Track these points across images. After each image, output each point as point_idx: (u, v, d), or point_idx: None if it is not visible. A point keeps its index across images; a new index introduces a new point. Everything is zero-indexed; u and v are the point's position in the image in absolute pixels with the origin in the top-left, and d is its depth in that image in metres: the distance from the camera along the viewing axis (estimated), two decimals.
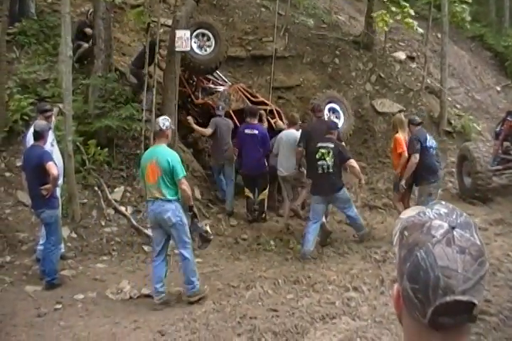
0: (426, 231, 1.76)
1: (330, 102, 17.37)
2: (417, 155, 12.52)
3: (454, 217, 1.80)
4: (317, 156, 12.60)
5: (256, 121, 14.83)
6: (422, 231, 1.77)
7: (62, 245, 11.49)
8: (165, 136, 9.92)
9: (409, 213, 1.90)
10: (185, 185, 9.74)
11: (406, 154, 12.46)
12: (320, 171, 12.65)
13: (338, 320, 9.20)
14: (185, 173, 9.88)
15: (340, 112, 17.13)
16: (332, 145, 12.65)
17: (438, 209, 1.83)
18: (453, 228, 1.74)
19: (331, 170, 12.61)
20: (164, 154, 9.72)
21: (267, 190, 14.64)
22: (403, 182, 12.58)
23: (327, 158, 12.56)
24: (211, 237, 10.67)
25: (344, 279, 11.07)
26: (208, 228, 10.63)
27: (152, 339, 8.54)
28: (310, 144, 13.08)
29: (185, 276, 9.98)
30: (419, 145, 12.61)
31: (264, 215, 14.79)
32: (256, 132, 14.43)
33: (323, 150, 12.59)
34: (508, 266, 11.43)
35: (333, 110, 17.12)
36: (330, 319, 9.22)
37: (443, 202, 1.91)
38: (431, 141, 13.09)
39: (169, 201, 9.65)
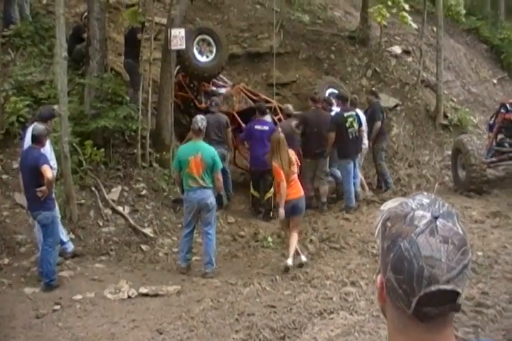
0: (409, 222, 1.76)
1: (330, 87, 17.60)
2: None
3: (437, 207, 1.79)
4: (347, 125, 14.58)
5: (266, 118, 15.09)
6: (405, 221, 1.77)
7: (71, 243, 11.65)
8: (202, 134, 11.65)
9: (390, 205, 1.90)
10: (220, 176, 11.69)
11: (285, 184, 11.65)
12: (350, 137, 14.77)
13: (335, 315, 9.25)
14: (222, 166, 11.83)
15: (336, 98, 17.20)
16: (354, 113, 14.90)
17: (420, 200, 1.83)
18: (436, 218, 1.74)
19: (357, 135, 14.95)
20: (208, 151, 11.42)
21: (272, 189, 14.72)
22: None
23: (354, 125, 14.82)
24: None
25: (341, 274, 11.10)
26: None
27: (151, 338, 8.58)
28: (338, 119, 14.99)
29: (207, 256, 11.41)
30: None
31: (271, 213, 14.77)
32: (266, 128, 14.76)
33: (350, 119, 14.67)
34: (505, 258, 11.46)
35: (333, 95, 17.19)
36: (328, 314, 9.26)
37: (425, 193, 1.89)
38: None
39: (209, 188, 11.39)
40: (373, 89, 18.37)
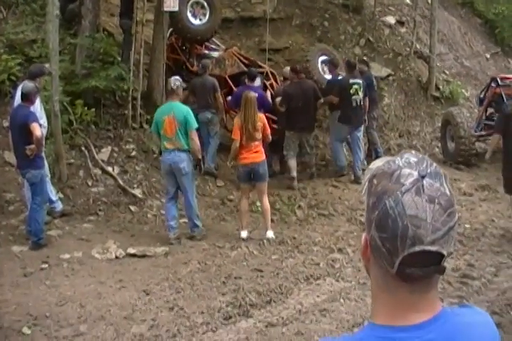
0: (395, 180, 1.72)
1: (322, 54, 17.37)
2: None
3: (424, 166, 1.75)
4: (351, 92, 14.36)
5: (256, 83, 14.76)
6: (391, 179, 1.73)
7: (59, 202, 11.60)
8: (176, 94, 11.41)
9: (378, 163, 1.86)
10: (195, 136, 11.23)
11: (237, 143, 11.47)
12: (354, 104, 14.58)
13: (322, 280, 9.32)
14: (196, 125, 11.37)
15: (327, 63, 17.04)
16: (361, 81, 14.63)
17: (408, 158, 1.78)
18: (423, 177, 1.70)
19: (361, 104, 14.76)
20: (180, 109, 11.16)
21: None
22: None
23: (359, 93, 14.39)
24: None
25: (329, 241, 11.19)
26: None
27: (137, 299, 8.61)
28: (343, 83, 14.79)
29: (190, 221, 11.44)
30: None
31: None
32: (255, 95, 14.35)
33: (356, 86, 14.41)
34: (492, 231, 11.57)
35: (325, 62, 17.06)
36: (314, 280, 9.34)
37: (413, 152, 1.85)
38: None
39: (184, 151, 11.10)
40: (364, 58, 18.24)
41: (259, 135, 11.37)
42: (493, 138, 12.26)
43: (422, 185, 1.70)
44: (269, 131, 11.72)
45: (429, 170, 1.74)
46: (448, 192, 1.73)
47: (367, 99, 14.98)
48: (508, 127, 11.16)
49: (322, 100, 14.82)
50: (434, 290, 1.79)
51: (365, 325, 1.86)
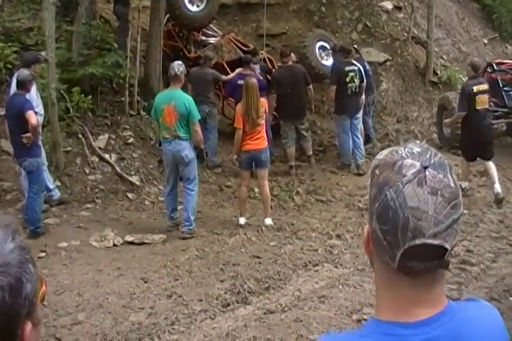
0: (397, 170, 1.68)
1: (320, 40, 17.29)
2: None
3: (428, 156, 1.70)
4: (347, 79, 14.16)
5: (249, 71, 14.59)
6: (393, 169, 1.69)
7: (57, 190, 11.58)
8: (179, 81, 10.86)
9: (385, 153, 1.81)
10: (198, 127, 10.90)
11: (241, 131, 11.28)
12: (349, 92, 14.35)
13: (320, 267, 9.33)
14: (199, 116, 11.00)
15: (330, 50, 17.00)
16: (357, 68, 14.38)
17: (411, 148, 1.73)
18: (425, 168, 1.66)
19: (357, 91, 14.49)
20: (181, 98, 10.67)
21: None
22: None
23: (355, 80, 14.36)
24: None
25: (327, 227, 11.17)
26: None
27: (135, 286, 8.60)
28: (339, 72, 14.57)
29: (185, 213, 10.89)
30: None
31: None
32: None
33: (352, 74, 14.20)
34: (490, 217, 11.55)
35: (323, 48, 17.02)
36: (312, 266, 9.35)
37: (417, 142, 1.80)
38: None
39: (185, 140, 10.71)
40: (354, 46, 18.05)
41: (262, 120, 11.27)
42: (458, 115, 12.90)
43: (425, 176, 1.66)
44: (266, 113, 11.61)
45: (432, 161, 1.69)
46: (452, 184, 1.69)
47: (363, 84, 14.72)
48: (470, 105, 12.37)
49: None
50: (439, 285, 1.76)
51: (368, 320, 1.83)
